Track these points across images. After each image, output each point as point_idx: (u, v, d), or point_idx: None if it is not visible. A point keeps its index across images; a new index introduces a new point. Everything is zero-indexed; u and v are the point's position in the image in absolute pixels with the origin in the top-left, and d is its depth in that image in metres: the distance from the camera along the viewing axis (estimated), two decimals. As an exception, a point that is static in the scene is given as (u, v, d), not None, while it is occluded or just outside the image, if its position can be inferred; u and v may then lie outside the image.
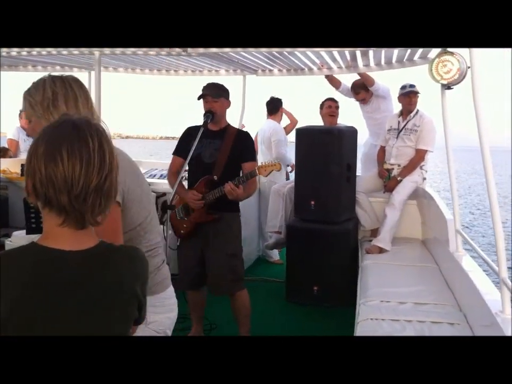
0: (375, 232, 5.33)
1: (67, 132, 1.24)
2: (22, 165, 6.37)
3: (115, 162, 1.30)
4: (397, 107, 5.72)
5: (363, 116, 6.46)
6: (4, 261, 1.24)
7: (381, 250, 4.99)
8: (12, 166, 6.61)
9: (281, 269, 5.58)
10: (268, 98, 6.83)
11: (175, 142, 4.07)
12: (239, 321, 3.91)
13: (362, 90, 6.17)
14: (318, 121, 6.13)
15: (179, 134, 4.06)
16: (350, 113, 6.55)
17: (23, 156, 7.24)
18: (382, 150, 5.60)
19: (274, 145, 6.44)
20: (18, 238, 4.38)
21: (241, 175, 3.70)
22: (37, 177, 1.22)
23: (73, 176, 1.20)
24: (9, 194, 6.19)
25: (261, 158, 6.23)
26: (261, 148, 6.64)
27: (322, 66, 5.80)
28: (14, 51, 4.86)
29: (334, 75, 6.21)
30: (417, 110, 5.36)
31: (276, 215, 6.03)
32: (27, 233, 3.68)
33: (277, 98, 6.81)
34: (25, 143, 7.43)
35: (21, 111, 7.53)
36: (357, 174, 5.56)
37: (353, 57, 5.12)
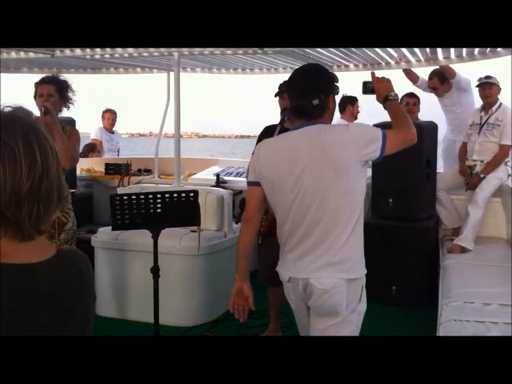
0: (457, 231, 5.15)
1: None
2: (106, 164, 6.66)
3: (51, 161, 1.11)
4: (478, 101, 5.50)
5: (442, 110, 6.25)
6: None
7: (463, 250, 4.82)
8: (96, 165, 6.91)
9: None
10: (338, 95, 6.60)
11: (251, 140, 4.08)
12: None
13: (436, 77, 5.93)
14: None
15: (254, 132, 4.08)
16: (429, 109, 6.32)
17: (107, 155, 7.55)
18: (464, 146, 5.40)
19: None
20: (104, 234, 4.60)
21: None
22: None
23: None
24: (93, 192, 6.48)
25: None
26: None
27: (400, 60, 5.67)
28: (98, 54, 5.07)
29: (412, 69, 6.04)
30: (500, 104, 5.13)
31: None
32: (113, 230, 3.82)
33: (344, 96, 6.50)
34: (108, 143, 7.72)
35: (103, 112, 7.83)
36: (438, 171, 5.40)
37: (433, 50, 4.98)
